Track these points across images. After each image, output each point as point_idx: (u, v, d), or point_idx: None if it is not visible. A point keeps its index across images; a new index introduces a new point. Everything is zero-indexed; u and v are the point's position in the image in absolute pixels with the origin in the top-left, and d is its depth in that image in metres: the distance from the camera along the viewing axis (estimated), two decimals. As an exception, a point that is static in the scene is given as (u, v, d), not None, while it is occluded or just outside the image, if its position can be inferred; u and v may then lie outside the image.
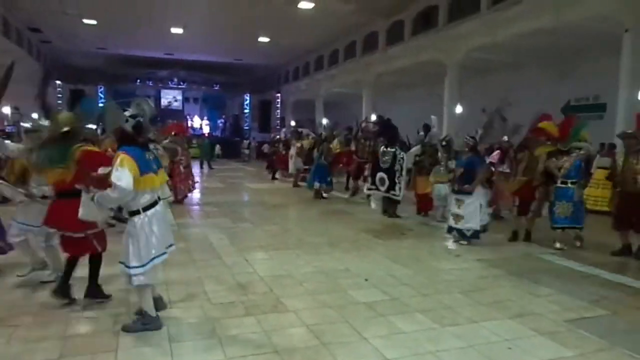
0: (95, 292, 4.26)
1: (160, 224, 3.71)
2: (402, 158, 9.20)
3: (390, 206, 9.45)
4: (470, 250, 6.78)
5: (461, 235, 7.09)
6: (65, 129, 4.07)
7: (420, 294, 4.82)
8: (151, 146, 4.15)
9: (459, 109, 16.36)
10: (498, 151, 9.05)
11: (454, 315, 4.25)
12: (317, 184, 11.97)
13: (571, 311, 4.39)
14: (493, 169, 8.70)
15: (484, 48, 15.15)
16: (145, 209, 3.64)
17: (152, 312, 3.77)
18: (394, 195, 9.26)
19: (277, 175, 17.23)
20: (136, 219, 3.61)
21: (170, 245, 3.91)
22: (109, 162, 3.73)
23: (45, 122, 4.45)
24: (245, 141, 31.27)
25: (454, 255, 6.53)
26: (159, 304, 3.98)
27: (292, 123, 31.93)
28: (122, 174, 3.41)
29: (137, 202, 3.61)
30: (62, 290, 4.17)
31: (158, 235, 3.66)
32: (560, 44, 14.16)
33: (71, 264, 4.21)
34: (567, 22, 11.96)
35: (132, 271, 3.56)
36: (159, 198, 3.80)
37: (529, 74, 16.96)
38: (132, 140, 3.65)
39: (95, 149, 4.39)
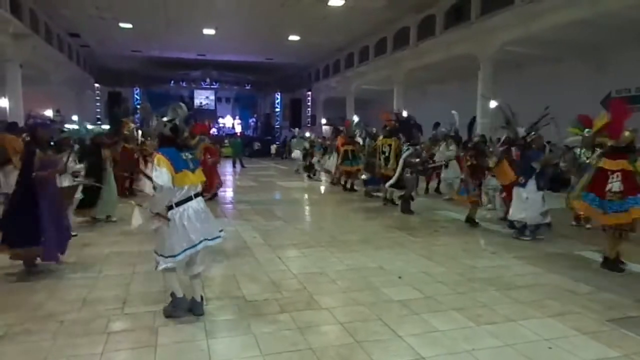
0: None
1: (193, 218, 3.88)
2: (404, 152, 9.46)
3: (404, 203, 9.46)
4: (507, 247, 6.64)
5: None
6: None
7: (455, 291, 4.76)
8: None
9: (492, 104, 16.01)
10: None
11: (491, 313, 4.17)
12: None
13: (614, 310, 4.25)
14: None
15: (518, 41, 14.78)
16: (179, 203, 3.85)
17: (179, 292, 4.04)
18: (390, 186, 9.55)
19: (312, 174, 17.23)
20: (170, 213, 3.82)
21: (215, 238, 4.08)
22: None
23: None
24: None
25: (489, 252, 6.41)
26: (196, 307, 4.05)
27: (323, 121, 32.01)
28: (161, 173, 3.69)
29: (172, 198, 3.83)
30: None
31: (191, 229, 3.84)
32: (598, 35, 13.68)
33: None
34: (604, 11, 11.54)
35: (160, 259, 3.87)
36: (195, 195, 3.97)
37: (565, 67, 16.46)
38: (171, 142, 3.96)
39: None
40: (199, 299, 4.09)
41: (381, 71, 23.49)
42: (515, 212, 7.06)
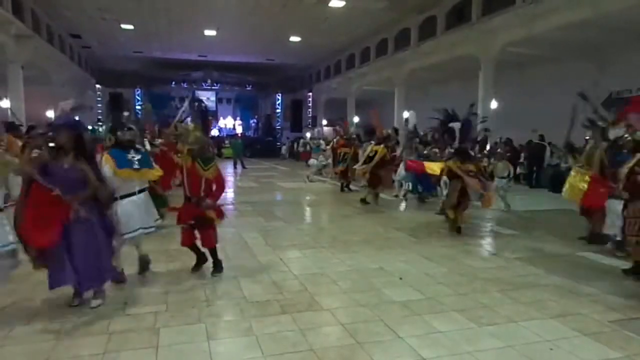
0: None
1: (134, 210, 4.75)
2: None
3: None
4: (508, 248, 6.64)
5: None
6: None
7: (457, 293, 4.76)
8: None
9: (493, 104, 16.01)
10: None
11: (492, 314, 4.17)
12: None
13: (616, 311, 4.24)
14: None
15: (519, 42, 14.76)
16: (123, 197, 4.70)
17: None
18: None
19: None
20: (115, 204, 4.61)
21: (149, 227, 4.99)
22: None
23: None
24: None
25: (490, 253, 6.40)
26: (143, 259, 5.13)
27: (324, 122, 32.02)
28: (104, 169, 4.57)
29: (118, 191, 4.65)
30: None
31: (130, 218, 4.70)
32: (600, 35, 13.67)
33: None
34: (605, 12, 11.54)
35: None
36: (140, 190, 4.88)
37: (567, 67, 16.43)
38: (116, 142, 4.89)
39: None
40: (142, 253, 5.13)
41: (382, 72, 23.48)
42: (611, 227, 6.41)
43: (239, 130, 36.06)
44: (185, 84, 35.07)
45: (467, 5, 16.90)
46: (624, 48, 14.36)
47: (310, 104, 34.89)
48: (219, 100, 38.16)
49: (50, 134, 4.41)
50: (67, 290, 4.68)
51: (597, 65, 15.62)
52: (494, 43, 15.43)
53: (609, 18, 11.84)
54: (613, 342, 3.62)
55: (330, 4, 18.02)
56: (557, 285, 5.00)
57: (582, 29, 12.84)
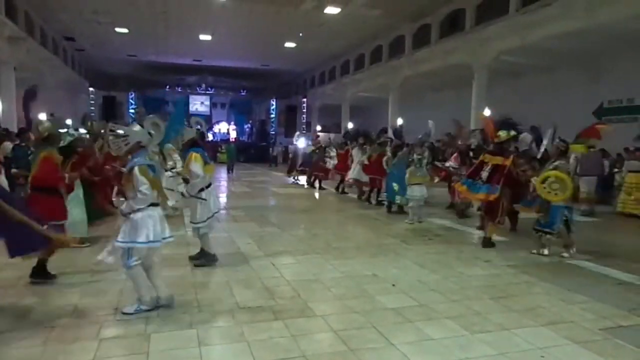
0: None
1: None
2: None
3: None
4: (501, 255, 6.66)
5: None
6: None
7: (449, 300, 4.76)
8: None
9: (486, 112, 16.10)
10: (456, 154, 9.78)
11: (484, 322, 4.17)
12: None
13: (607, 319, 4.26)
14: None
15: (513, 51, 14.91)
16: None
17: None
18: None
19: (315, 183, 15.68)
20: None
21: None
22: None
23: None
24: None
25: (483, 260, 6.42)
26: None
27: (318, 128, 32.09)
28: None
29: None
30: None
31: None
32: (592, 46, 13.84)
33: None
34: (598, 23, 11.68)
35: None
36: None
37: (560, 77, 16.60)
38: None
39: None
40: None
41: (377, 79, 23.59)
42: None
43: (233, 135, 36.04)
44: (179, 88, 35.09)
45: (461, 14, 17.05)
46: (618, 58, 14.53)
47: (304, 110, 34.92)
48: (213, 105, 38.21)
49: None
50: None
51: (590, 74, 15.78)
52: (488, 52, 15.56)
53: (603, 28, 11.98)
54: (604, 350, 3.64)
55: (326, 11, 18.12)
56: (548, 293, 5.02)
57: (575, 38, 12.98)
